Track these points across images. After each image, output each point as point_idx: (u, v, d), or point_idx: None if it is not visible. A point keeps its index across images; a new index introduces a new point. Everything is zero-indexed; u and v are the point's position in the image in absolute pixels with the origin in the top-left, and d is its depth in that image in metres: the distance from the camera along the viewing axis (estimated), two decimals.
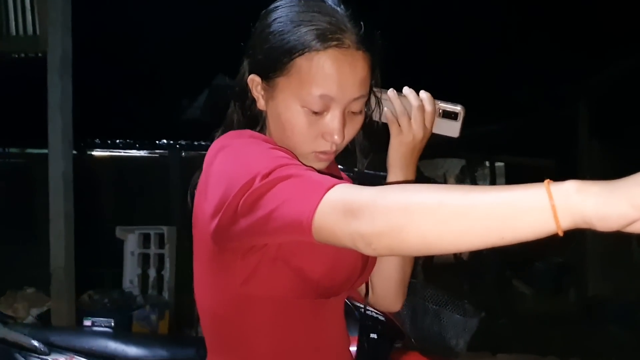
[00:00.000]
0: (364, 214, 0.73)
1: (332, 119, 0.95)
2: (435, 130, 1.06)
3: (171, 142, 6.27)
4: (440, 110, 1.05)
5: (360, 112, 1.00)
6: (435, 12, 4.46)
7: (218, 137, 1.04)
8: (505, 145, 7.51)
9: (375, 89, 1.04)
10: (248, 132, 1.00)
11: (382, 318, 1.83)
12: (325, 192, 0.76)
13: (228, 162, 0.90)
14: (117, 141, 6.40)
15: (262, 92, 1.00)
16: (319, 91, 0.93)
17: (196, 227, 0.99)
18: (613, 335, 4.81)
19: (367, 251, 0.74)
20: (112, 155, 6.49)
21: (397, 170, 1.08)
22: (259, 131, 1.04)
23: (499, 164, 8.68)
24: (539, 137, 6.90)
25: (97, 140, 6.32)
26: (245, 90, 1.03)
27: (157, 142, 6.34)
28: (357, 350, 1.71)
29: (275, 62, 0.95)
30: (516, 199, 0.64)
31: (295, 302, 0.98)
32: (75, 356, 1.88)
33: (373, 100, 1.04)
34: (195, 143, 6.50)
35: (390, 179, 1.09)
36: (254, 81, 1.00)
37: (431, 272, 5.33)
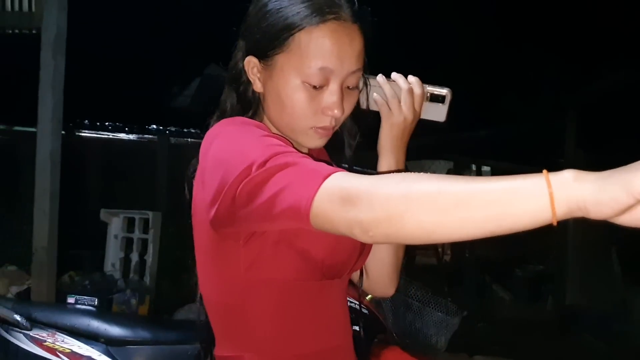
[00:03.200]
0: (362, 201, 0.73)
1: (331, 93, 0.97)
2: (424, 115, 1.09)
3: (160, 127, 6.24)
4: (428, 94, 1.09)
5: (356, 87, 1.02)
6: (428, 19, 4.48)
7: (213, 123, 1.04)
8: (493, 151, 7.57)
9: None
10: (240, 118, 1.01)
11: (365, 311, 1.85)
12: (323, 180, 0.77)
13: (224, 150, 0.91)
14: (107, 123, 6.36)
15: (259, 74, 1.01)
16: (319, 64, 0.95)
17: (195, 216, 1.00)
18: (587, 345, 4.88)
19: (364, 238, 0.75)
20: (100, 138, 6.44)
21: (389, 153, 1.10)
22: (252, 115, 1.05)
23: (485, 168, 8.74)
24: (526, 144, 6.96)
25: (85, 122, 6.27)
26: (240, 74, 1.04)
27: (146, 127, 6.31)
28: None
29: (275, 39, 0.97)
30: (515, 187, 0.65)
31: (300, 285, 0.99)
32: (57, 333, 1.88)
33: (360, 82, 1.05)
34: (185, 130, 6.47)
35: (381, 161, 1.11)
36: (251, 62, 1.01)
37: (413, 274, 5.36)
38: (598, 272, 5.54)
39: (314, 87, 0.96)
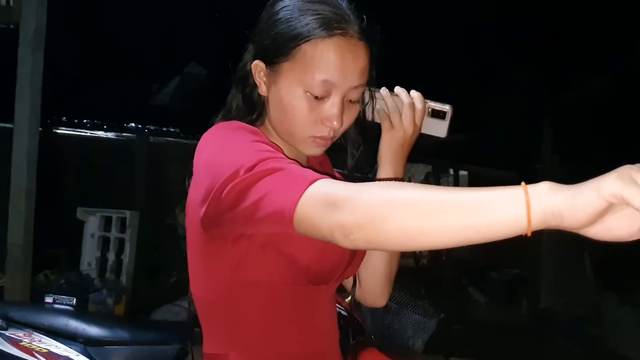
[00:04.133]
0: (345, 205, 0.74)
1: (332, 105, 1.00)
2: (424, 130, 1.12)
3: (139, 126, 6.19)
4: (429, 109, 1.11)
5: (358, 101, 1.04)
6: (405, 28, 4.52)
7: (217, 121, 1.07)
8: (470, 155, 7.66)
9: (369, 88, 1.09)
10: (237, 123, 1.02)
11: (344, 312, 1.86)
12: (308, 185, 0.78)
13: (215, 153, 0.93)
14: (85, 121, 6.28)
15: (265, 78, 1.04)
16: (322, 76, 0.97)
17: (189, 216, 1.01)
18: (560, 347, 4.96)
19: (345, 243, 0.76)
20: (78, 135, 6.36)
21: (388, 164, 1.13)
22: (256, 118, 1.07)
23: (462, 172, 8.83)
24: (503, 149, 7.06)
25: (63, 119, 6.19)
26: (248, 76, 1.06)
27: (125, 125, 6.25)
28: None
29: (282, 47, 0.99)
30: (494, 197, 0.68)
31: (286, 289, 1.00)
32: (34, 332, 1.86)
33: (366, 95, 1.08)
34: (164, 129, 6.42)
35: (381, 172, 1.14)
36: (258, 67, 1.04)
37: None
38: (571, 276, 5.63)
39: (316, 97, 0.99)
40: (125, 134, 6.35)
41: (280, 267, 0.97)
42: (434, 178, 8.15)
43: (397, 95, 1.10)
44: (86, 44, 5.26)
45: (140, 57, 5.54)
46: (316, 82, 0.97)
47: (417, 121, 1.10)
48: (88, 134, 6.43)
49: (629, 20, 4.27)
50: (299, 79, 0.98)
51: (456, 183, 8.53)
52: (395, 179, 1.12)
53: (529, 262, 6.27)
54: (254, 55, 1.05)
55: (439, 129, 1.11)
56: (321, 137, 1.02)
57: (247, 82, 1.07)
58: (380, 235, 0.73)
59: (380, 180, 1.12)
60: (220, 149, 0.93)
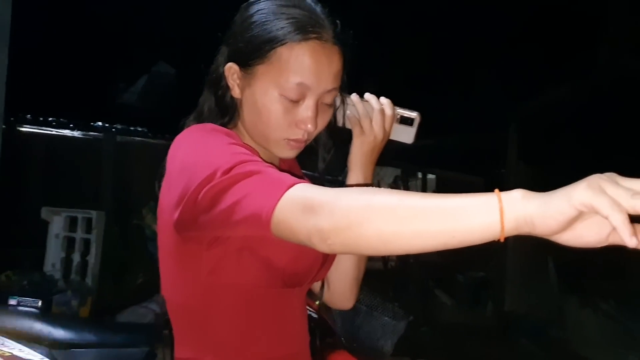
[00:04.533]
0: (323, 209, 0.75)
1: (306, 108, 1.00)
2: (393, 136, 1.15)
3: (106, 125, 6.09)
4: (399, 116, 1.15)
5: (331, 105, 1.06)
6: (373, 33, 4.54)
7: (188, 124, 1.07)
8: (438, 160, 7.74)
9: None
10: (211, 125, 1.01)
11: (315, 315, 1.87)
12: (287, 189, 0.79)
13: (190, 155, 0.92)
14: (50, 119, 6.16)
15: (238, 81, 1.03)
16: (297, 79, 0.98)
17: (161, 218, 1.00)
18: (524, 350, 5.05)
19: (322, 247, 0.76)
20: (43, 133, 6.23)
21: (358, 168, 1.14)
22: (228, 120, 1.07)
23: (430, 176, 8.92)
24: (470, 154, 7.16)
25: (28, 116, 6.06)
26: (221, 78, 1.06)
27: (92, 124, 6.14)
28: None
29: (257, 50, 0.99)
30: (469, 203, 0.69)
31: (261, 292, 1.00)
32: None
33: (337, 99, 1.10)
34: (132, 128, 6.34)
35: (350, 176, 1.15)
36: (232, 69, 1.04)
37: None
38: (535, 280, 5.73)
39: (291, 100, 0.99)
40: (91, 133, 6.24)
41: (255, 270, 0.97)
42: (402, 182, 8.21)
43: (367, 101, 1.13)
44: (53, 40, 5.17)
45: (108, 55, 5.47)
46: (291, 84, 0.98)
47: (387, 127, 1.12)
48: (53, 133, 6.30)
49: (592, 30, 4.39)
50: (274, 82, 0.99)
51: (424, 187, 8.60)
52: (365, 184, 1.14)
53: (494, 266, 6.36)
54: (228, 58, 1.05)
55: (406, 135, 1.15)
56: (295, 140, 1.03)
57: (220, 85, 1.07)
58: (358, 240, 0.74)
59: (350, 184, 1.14)
60: (195, 151, 0.92)
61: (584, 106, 4.89)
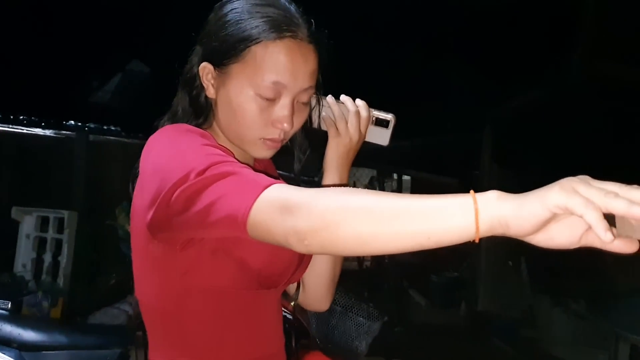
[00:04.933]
0: (300, 210, 0.75)
1: (282, 107, 1.00)
2: (368, 138, 1.16)
3: (79, 124, 6.01)
4: (374, 118, 1.15)
5: (307, 104, 1.06)
6: (350, 32, 4.56)
7: (162, 124, 1.06)
8: (413, 161, 7.79)
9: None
10: (185, 126, 1.01)
11: (289, 316, 1.87)
12: (263, 190, 0.79)
13: (164, 156, 0.91)
14: (21, 117, 6.05)
15: (213, 81, 1.03)
16: (272, 78, 0.97)
17: (134, 220, 0.99)
18: (496, 349, 5.11)
19: (299, 248, 0.76)
20: (14, 132, 6.12)
21: (334, 170, 1.14)
22: (203, 121, 1.06)
23: (405, 177, 8.98)
24: (444, 156, 7.21)
25: None
26: (195, 78, 1.05)
27: (64, 122, 6.05)
28: None
29: (231, 49, 0.99)
30: (445, 205, 0.70)
31: (236, 293, 1.00)
32: None
33: (313, 100, 1.10)
34: (105, 127, 6.26)
35: (326, 177, 1.15)
36: (206, 69, 1.03)
37: None
38: (508, 280, 5.80)
39: (266, 99, 0.98)
40: (64, 132, 6.14)
41: (231, 272, 0.97)
42: (378, 182, 8.25)
43: (342, 103, 1.13)
44: (24, 38, 5.09)
45: (81, 53, 5.39)
46: (266, 83, 0.97)
47: (362, 129, 1.13)
48: (24, 131, 6.19)
49: (565, 34, 4.46)
50: (249, 81, 0.98)
51: (399, 188, 8.66)
52: (341, 184, 1.15)
53: (467, 266, 6.42)
54: (202, 58, 1.04)
55: (382, 137, 1.15)
56: (271, 139, 1.02)
57: (194, 85, 1.06)
58: (335, 241, 0.74)
59: (325, 185, 1.15)
60: (169, 152, 0.91)
61: (557, 109, 4.96)
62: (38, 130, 6.15)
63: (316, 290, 1.21)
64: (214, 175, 0.82)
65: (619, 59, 4.29)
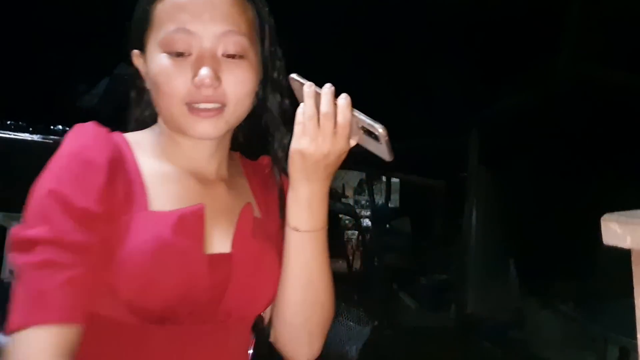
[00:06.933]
0: None
1: (196, 58, 0.86)
2: (366, 145, 0.88)
3: (67, 128, 5.97)
4: (361, 126, 0.86)
5: (242, 56, 0.88)
6: (338, 34, 4.56)
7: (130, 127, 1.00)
8: (401, 163, 7.82)
9: (293, 76, 0.90)
10: (85, 154, 0.84)
11: None
12: (43, 322, 0.73)
13: (38, 190, 0.82)
14: (9, 122, 6.02)
15: (144, 68, 0.93)
16: (173, 26, 0.85)
17: None
18: (485, 351, 5.13)
19: None
20: (1, 137, 6.08)
21: (296, 184, 0.90)
22: (149, 115, 1.00)
23: (394, 180, 9.01)
24: (433, 158, 7.25)
25: None
26: (137, 71, 0.96)
27: (52, 127, 6.02)
28: (253, 352, 1.73)
29: (141, 19, 0.90)
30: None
31: (121, 326, 0.83)
32: None
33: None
34: None
35: (289, 192, 0.92)
36: (135, 56, 0.94)
37: None
38: (497, 282, 5.83)
39: (177, 54, 0.86)
40: (52, 137, 6.11)
41: (105, 300, 0.81)
42: (367, 185, 8.27)
43: (320, 94, 0.86)
44: (11, 42, 5.06)
45: (68, 57, 5.37)
46: (169, 34, 0.85)
47: (340, 138, 0.85)
48: (12, 136, 6.15)
49: (551, 37, 4.50)
50: (157, 41, 0.87)
51: (388, 190, 8.68)
52: (313, 199, 0.90)
53: (456, 268, 6.45)
54: (130, 46, 0.95)
55: (378, 149, 0.86)
56: (199, 107, 0.86)
57: (137, 81, 0.97)
58: None
59: (290, 206, 0.92)
60: (41, 190, 0.81)
61: (543, 112, 5.00)
62: (26, 135, 6.12)
63: (284, 337, 0.99)
64: (37, 262, 0.75)
65: (604, 62, 4.34)
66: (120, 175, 0.85)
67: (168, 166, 0.93)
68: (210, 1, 0.86)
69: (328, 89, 0.86)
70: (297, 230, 0.92)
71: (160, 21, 0.87)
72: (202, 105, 0.86)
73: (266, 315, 1.00)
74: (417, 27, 4.59)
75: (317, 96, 0.86)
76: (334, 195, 7.39)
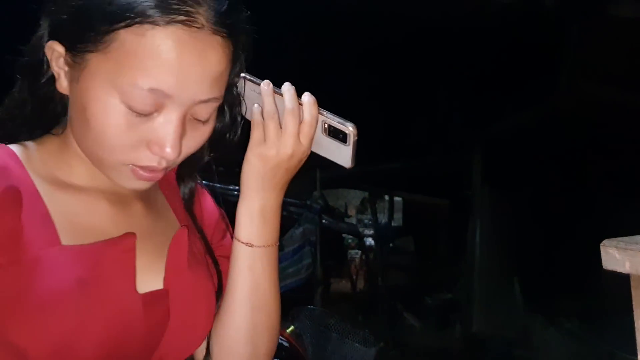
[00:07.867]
0: None
1: (165, 124, 0.69)
2: (321, 151, 0.80)
3: None
4: (326, 125, 0.78)
5: (208, 121, 0.75)
6: (340, 51, 4.60)
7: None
8: (405, 182, 7.83)
9: (245, 75, 0.80)
10: None
11: (286, 344, 1.87)
12: None
13: None
14: None
15: (66, 68, 0.72)
16: (148, 83, 0.66)
17: None
18: None
19: None
20: None
21: (250, 193, 0.81)
22: (52, 124, 0.79)
23: (397, 199, 9.00)
24: (436, 177, 7.26)
25: None
26: (42, 62, 0.74)
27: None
28: None
29: (88, 29, 0.67)
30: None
31: None
32: None
33: (241, 85, 0.81)
34: None
35: (241, 202, 0.83)
36: (55, 51, 0.72)
37: (328, 301, 5.42)
38: (501, 300, 5.80)
39: (138, 114, 0.68)
40: None
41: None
42: (370, 204, 8.27)
43: (282, 95, 0.77)
44: (2, 44, 5.10)
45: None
46: (139, 90, 0.66)
47: (303, 139, 0.76)
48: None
49: (553, 57, 4.53)
50: (113, 83, 0.66)
51: (391, 209, 8.68)
52: (263, 212, 0.82)
53: (461, 287, 6.42)
54: (49, 34, 0.73)
55: (340, 154, 0.77)
56: (146, 168, 0.72)
57: (40, 71, 0.75)
58: None
59: (240, 215, 0.83)
60: None
61: (546, 130, 5.02)
62: None
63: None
64: None
65: (606, 80, 4.37)
66: (13, 205, 0.66)
67: (72, 186, 0.75)
68: (203, 59, 0.68)
69: (289, 85, 0.78)
70: (250, 245, 0.81)
71: (127, 60, 0.66)
72: (144, 164, 0.72)
73: (197, 354, 0.86)
74: (420, 46, 4.63)
75: (275, 95, 0.78)
76: (337, 215, 7.38)
